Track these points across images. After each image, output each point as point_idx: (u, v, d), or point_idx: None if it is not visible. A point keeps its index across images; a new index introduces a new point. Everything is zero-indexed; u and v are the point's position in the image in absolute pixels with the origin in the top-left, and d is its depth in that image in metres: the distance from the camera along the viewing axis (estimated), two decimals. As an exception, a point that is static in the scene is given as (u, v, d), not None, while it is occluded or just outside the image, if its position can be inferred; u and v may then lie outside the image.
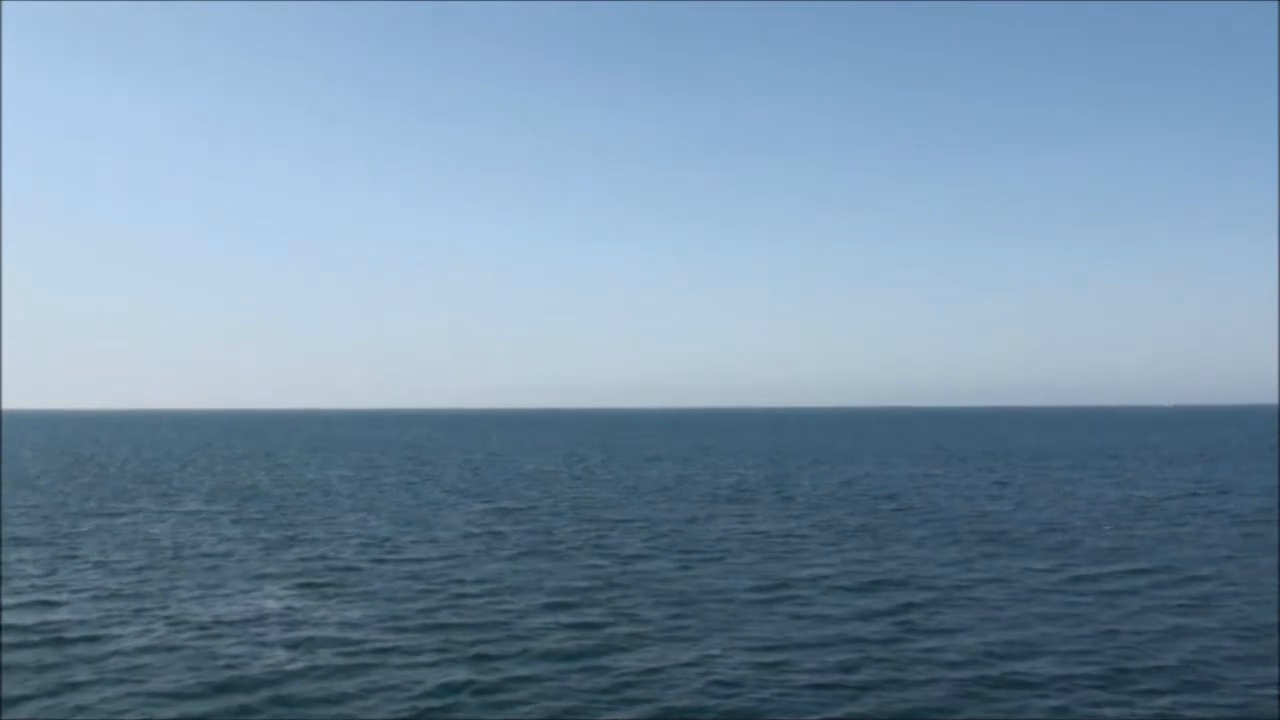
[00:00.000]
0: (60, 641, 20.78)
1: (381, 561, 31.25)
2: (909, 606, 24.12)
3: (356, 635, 21.07)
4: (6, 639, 20.95)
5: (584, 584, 26.92)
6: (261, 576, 28.80)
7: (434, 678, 17.83)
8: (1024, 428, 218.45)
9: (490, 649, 19.89)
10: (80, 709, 16.17)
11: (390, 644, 20.30)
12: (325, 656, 19.42)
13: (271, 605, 24.59)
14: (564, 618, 22.63)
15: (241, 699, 16.75)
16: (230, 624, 22.35)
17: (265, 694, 16.96)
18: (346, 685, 17.49)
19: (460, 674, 18.04)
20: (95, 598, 25.60)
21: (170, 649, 20.18)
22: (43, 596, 25.72)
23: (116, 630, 21.81)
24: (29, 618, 23.00)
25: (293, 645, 20.35)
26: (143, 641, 20.72)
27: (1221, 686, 17.63)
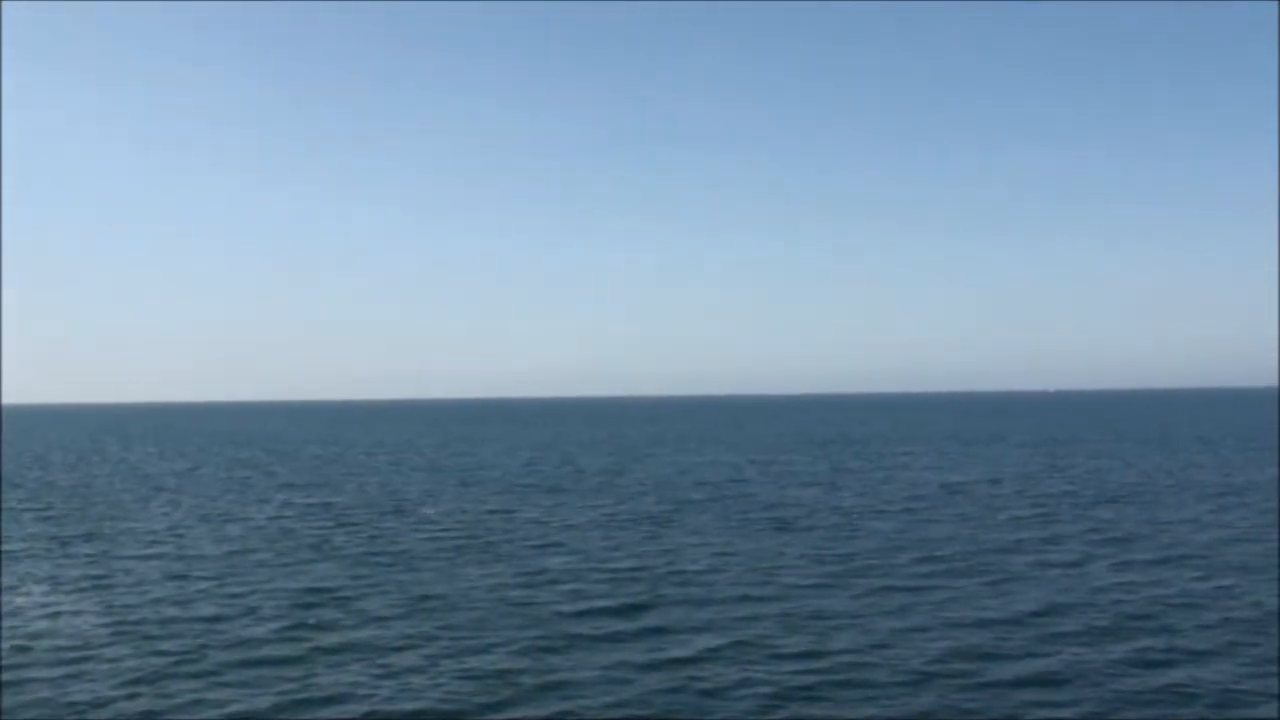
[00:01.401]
0: None
1: (157, 558, 31.26)
2: (652, 601, 24.51)
3: (77, 642, 21.12)
4: None
5: (338, 584, 27.11)
6: (28, 576, 28.68)
7: (122, 688, 18.08)
8: (937, 413, 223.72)
9: (209, 655, 20.07)
10: None
11: (102, 652, 20.38)
12: (38, 665, 19.57)
13: (20, 606, 24.62)
14: (291, 622, 22.82)
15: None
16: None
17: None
18: (45, 693, 17.75)
19: (152, 687, 18.26)
20: None
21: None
22: None
23: None
24: None
25: (15, 651, 20.49)
26: None
27: (943, 692, 17.13)
